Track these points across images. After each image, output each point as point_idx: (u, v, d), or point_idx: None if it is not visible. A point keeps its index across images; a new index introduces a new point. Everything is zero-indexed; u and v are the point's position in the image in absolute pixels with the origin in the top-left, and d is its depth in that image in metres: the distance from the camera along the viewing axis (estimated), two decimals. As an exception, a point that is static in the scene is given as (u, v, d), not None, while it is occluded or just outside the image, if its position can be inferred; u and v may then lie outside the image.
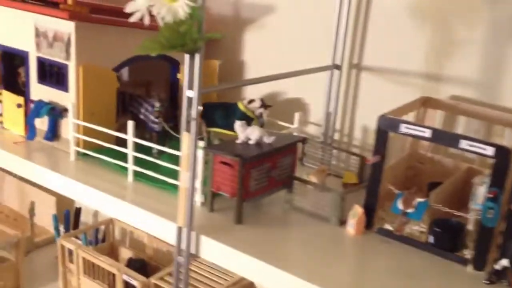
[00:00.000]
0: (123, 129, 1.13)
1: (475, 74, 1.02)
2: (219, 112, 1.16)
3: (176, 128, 1.17)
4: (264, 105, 1.15)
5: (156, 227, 0.93)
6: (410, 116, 0.99)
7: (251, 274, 0.84)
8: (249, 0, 1.29)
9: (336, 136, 1.20)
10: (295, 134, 1.15)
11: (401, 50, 1.10)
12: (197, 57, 0.78)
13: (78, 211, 1.70)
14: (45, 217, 1.80)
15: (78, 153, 1.12)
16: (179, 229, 0.87)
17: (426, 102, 1.03)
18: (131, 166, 1.04)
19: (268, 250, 0.85)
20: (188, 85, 0.81)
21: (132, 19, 0.74)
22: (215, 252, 0.87)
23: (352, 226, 0.91)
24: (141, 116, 1.18)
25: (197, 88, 0.80)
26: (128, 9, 0.73)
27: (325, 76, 1.16)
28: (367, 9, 1.12)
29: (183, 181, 0.84)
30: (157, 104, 1.14)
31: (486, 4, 0.99)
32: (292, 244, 0.88)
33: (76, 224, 1.69)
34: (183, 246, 0.87)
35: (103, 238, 1.63)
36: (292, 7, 1.23)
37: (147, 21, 0.73)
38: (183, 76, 1.26)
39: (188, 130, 0.82)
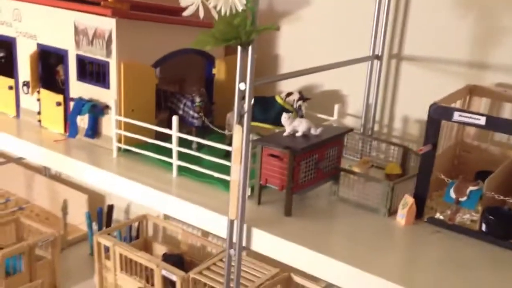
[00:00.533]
0: (161, 125, 1.14)
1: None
2: (257, 106, 1.15)
3: (213, 122, 1.17)
4: (302, 97, 1.14)
5: (205, 221, 0.93)
6: (457, 105, 0.98)
7: (304, 265, 0.84)
8: (284, -7, 1.28)
9: (376, 128, 1.20)
10: (335, 125, 1.15)
11: (443, 39, 1.09)
12: (250, 50, 0.78)
13: (110, 208, 1.71)
14: (76, 215, 1.81)
15: (119, 149, 1.12)
16: (231, 222, 0.87)
17: (472, 90, 1.02)
18: (175, 161, 1.04)
19: (319, 241, 0.85)
20: (240, 78, 0.80)
21: (186, 13, 0.74)
22: (266, 244, 0.87)
23: (402, 216, 0.90)
24: (180, 112, 1.19)
25: (249, 81, 0.80)
26: (183, 2, 0.73)
27: (362, 67, 1.16)
28: (407, -3, 1.12)
29: (234, 174, 0.84)
30: (198, 99, 1.14)
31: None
32: (343, 235, 0.88)
33: (109, 222, 1.71)
34: (235, 239, 0.87)
35: (136, 234, 1.63)
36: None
37: (202, 14, 0.73)
38: (219, 71, 1.30)
39: (240, 123, 0.82)
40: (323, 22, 1.24)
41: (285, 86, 1.31)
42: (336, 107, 1.16)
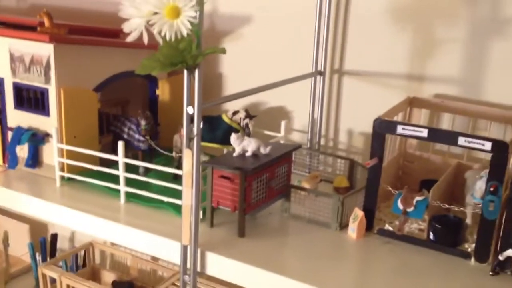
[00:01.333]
0: (105, 150, 1.11)
1: (457, 71, 1.06)
2: (204, 126, 1.14)
3: (158, 145, 1.15)
4: (249, 115, 1.15)
5: (157, 248, 0.92)
6: (399, 117, 1.01)
7: (260, 286, 0.84)
8: (224, 12, 1.29)
9: (322, 142, 1.22)
10: (282, 142, 1.16)
11: (382, 53, 1.12)
12: (197, 73, 0.77)
13: (54, 237, 1.64)
14: (18, 246, 1.73)
15: (63, 178, 1.08)
16: (185, 248, 0.85)
17: (412, 102, 1.06)
18: (123, 188, 1.02)
19: (273, 261, 0.85)
20: (187, 101, 0.80)
21: (130, 38, 0.73)
22: (221, 267, 0.86)
23: (353, 229, 0.92)
24: (125, 136, 1.16)
25: (197, 104, 0.79)
26: (125, 28, 0.72)
27: (306, 83, 1.18)
28: (346, 13, 1.15)
29: (186, 199, 0.83)
30: (144, 122, 1.12)
31: (465, 3, 1.03)
32: (296, 252, 0.89)
33: (53, 251, 1.64)
34: (189, 264, 0.86)
35: (83, 263, 1.58)
36: (268, 17, 1.24)
37: (146, 40, 0.72)
38: (163, 91, 1.28)
39: (190, 147, 0.81)
40: (265, 40, 1.25)
41: (231, 104, 1.31)
42: (283, 123, 1.17)
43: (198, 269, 0.87)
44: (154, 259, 1.54)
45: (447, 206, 0.88)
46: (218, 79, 1.34)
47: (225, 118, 1.15)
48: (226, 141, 1.13)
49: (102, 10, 1.47)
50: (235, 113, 1.15)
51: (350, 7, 1.14)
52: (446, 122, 1.08)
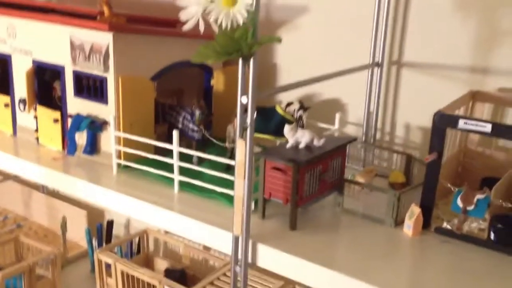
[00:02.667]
0: (160, 139, 1.12)
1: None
2: (257, 117, 1.12)
3: (212, 135, 1.15)
4: (303, 107, 1.13)
5: (209, 237, 0.92)
6: (461, 112, 0.97)
7: (311, 280, 0.83)
8: (281, 1, 1.27)
9: (377, 135, 1.19)
10: (336, 135, 1.14)
11: (443, 43, 1.08)
12: (252, 63, 0.77)
13: (110, 224, 1.69)
14: (75, 232, 1.79)
15: (119, 165, 1.11)
16: (236, 238, 0.85)
17: (475, 96, 1.01)
18: (177, 177, 1.02)
19: (325, 255, 0.83)
20: (241, 91, 0.79)
21: (186, 27, 0.73)
22: (272, 259, 0.85)
23: (409, 226, 0.89)
24: (179, 125, 1.17)
25: (251, 94, 0.79)
26: (182, 17, 0.72)
27: (362, 74, 1.15)
28: (407, 1, 1.11)
29: (238, 189, 0.83)
30: (198, 112, 1.12)
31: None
32: (349, 247, 0.87)
33: (108, 237, 1.68)
34: (240, 255, 0.86)
35: (137, 249, 1.61)
36: (325, 6, 1.21)
37: (202, 28, 0.72)
38: (217, 81, 1.28)
39: (243, 137, 0.80)
40: (321, 30, 1.23)
41: (284, 96, 1.30)
42: (337, 115, 1.14)
43: (249, 260, 0.86)
44: (206, 248, 1.55)
45: (510, 205, 0.84)
46: (272, 69, 1.33)
47: (278, 109, 1.14)
48: (279, 133, 1.12)
49: (158, 0, 1.48)
50: (289, 104, 1.14)
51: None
52: (511, 117, 1.03)
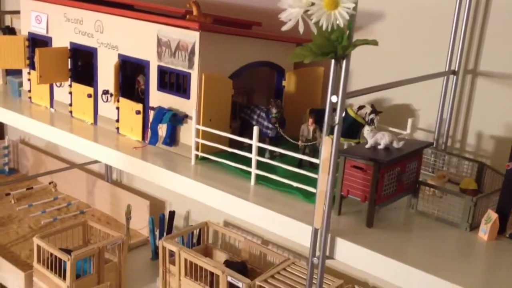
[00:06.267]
0: (234, 134, 1.17)
1: None
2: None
3: (285, 133, 1.20)
4: (375, 111, 1.16)
5: (286, 229, 0.96)
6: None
7: (387, 275, 0.85)
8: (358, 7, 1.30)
9: (448, 143, 1.20)
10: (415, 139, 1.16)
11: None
12: (344, 64, 0.80)
13: (172, 214, 1.75)
14: (136, 221, 1.86)
15: (197, 157, 1.16)
16: (316, 231, 0.89)
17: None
18: (254, 170, 1.07)
19: (401, 251, 0.86)
20: (331, 90, 0.83)
21: (285, 28, 0.77)
22: (350, 253, 0.89)
23: (485, 231, 0.91)
24: (254, 122, 1.22)
25: (342, 93, 0.82)
26: (283, 17, 0.76)
27: (435, 81, 1.17)
28: (486, 8, 1.12)
29: (322, 184, 0.87)
30: (275, 110, 1.17)
31: None
32: (424, 247, 0.89)
33: (170, 228, 1.75)
34: (318, 247, 0.89)
35: (197, 241, 1.67)
36: (402, 11, 1.24)
37: (302, 29, 0.76)
38: (289, 83, 1.32)
39: (331, 134, 0.84)
40: (396, 37, 1.25)
41: (355, 99, 1.33)
42: (410, 121, 1.17)
43: (327, 253, 0.90)
44: (264, 243, 1.59)
45: None
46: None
47: (350, 112, 1.17)
48: (350, 135, 1.16)
49: (231, 2, 1.53)
50: (360, 107, 1.16)
51: (491, 2, 1.11)
52: None
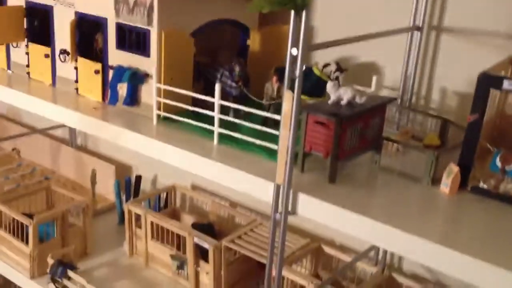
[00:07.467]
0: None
1: None
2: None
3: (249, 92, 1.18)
4: (340, 68, 1.14)
5: (249, 186, 0.95)
6: (502, 75, 0.98)
7: (350, 228, 0.85)
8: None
9: (413, 100, 1.20)
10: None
11: (484, 9, 1.08)
12: (304, 15, 0.78)
13: (138, 178, 1.73)
14: (103, 185, 1.83)
15: (159, 117, 1.13)
16: (278, 187, 0.88)
17: (515, 61, 1.02)
18: (217, 129, 1.05)
19: (363, 206, 0.86)
20: (292, 43, 0.81)
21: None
22: (312, 208, 0.88)
23: (446, 185, 0.91)
24: (217, 81, 1.19)
25: (302, 46, 0.80)
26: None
27: (398, 38, 1.16)
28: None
29: (283, 140, 0.85)
30: (238, 69, 1.14)
31: None
32: (387, 201, 0.90)
33: (136, 192, 1.72)
34: (281, 203, 0.89)
35: (164, 204, 1.65)
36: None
37: (260, -22, 0.74)
38: (253, 42, 1.30)
39: (291, 88, 0.82)
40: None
41: (320, 57, 1.31)
42: (374, 78, 1.15)
43: (289, 208, 0.89)
44: (233, 205, 1.59)
45: (549, 166, 0.86)
46: (309, 30, 1.34)
47: (315, 70, 1.15)
48: (314, 93, 1.14)
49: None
50: (325, 65, 1.15)
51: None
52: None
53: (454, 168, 0.90)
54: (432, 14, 1.15)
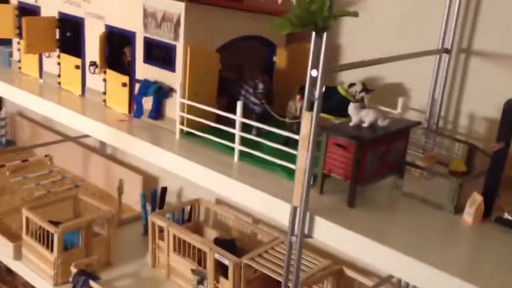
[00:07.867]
0: (221, 110, 1.14)
1: None
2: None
3: (273, 110, 1.17)
4: (366, 89, 1.13)
5: (266, 206, 0.94)
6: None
7: (366, 256, 0.83)
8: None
9: (440, 124, 1.17)
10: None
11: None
12: (325, 36, 0.77)
13: (164, 190, 1.74)
14: (130, 195, 1.85)
15: (182, 131, 1.14)
16: (294, 209, 0.87)
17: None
18: (238, 146, 1.05)
19: (382, 233, 0.84)
20: (312, 64, 0.80)
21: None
22: (328, 232, 0.87)
23: (469, 214, 0.88)
24: (241, 98, 1.19)
25: (322, 67, 0.79)
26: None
27: (427, 60, 1.13)
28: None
29: (301, 161, 0.84)
30: (261, 86, 1.14)
31: None
32: (407, 228, 0.87)
33: (162, 203, 1.73)
34: (297, 226, 0.87)
35: (188, 217, 1.66)
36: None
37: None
38: (280, 59, 1.29)
39: (310, 110, 0.81)
40: (389, 12, 1.21)
41: (346, 77, 1.30)
42: (400, 100, 1.13)
43: (306, 231, 0.88)
44: (255, 222, 1.58)
45: None
46: (336, 50, 1.33)
47: (340, 89, 1.14)
48: (339, 113, 1.13)
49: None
50: (351, 85, 1.14)
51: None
52: None
53: (477, 198, 0.87)
54: (462, 36, 1.12)
